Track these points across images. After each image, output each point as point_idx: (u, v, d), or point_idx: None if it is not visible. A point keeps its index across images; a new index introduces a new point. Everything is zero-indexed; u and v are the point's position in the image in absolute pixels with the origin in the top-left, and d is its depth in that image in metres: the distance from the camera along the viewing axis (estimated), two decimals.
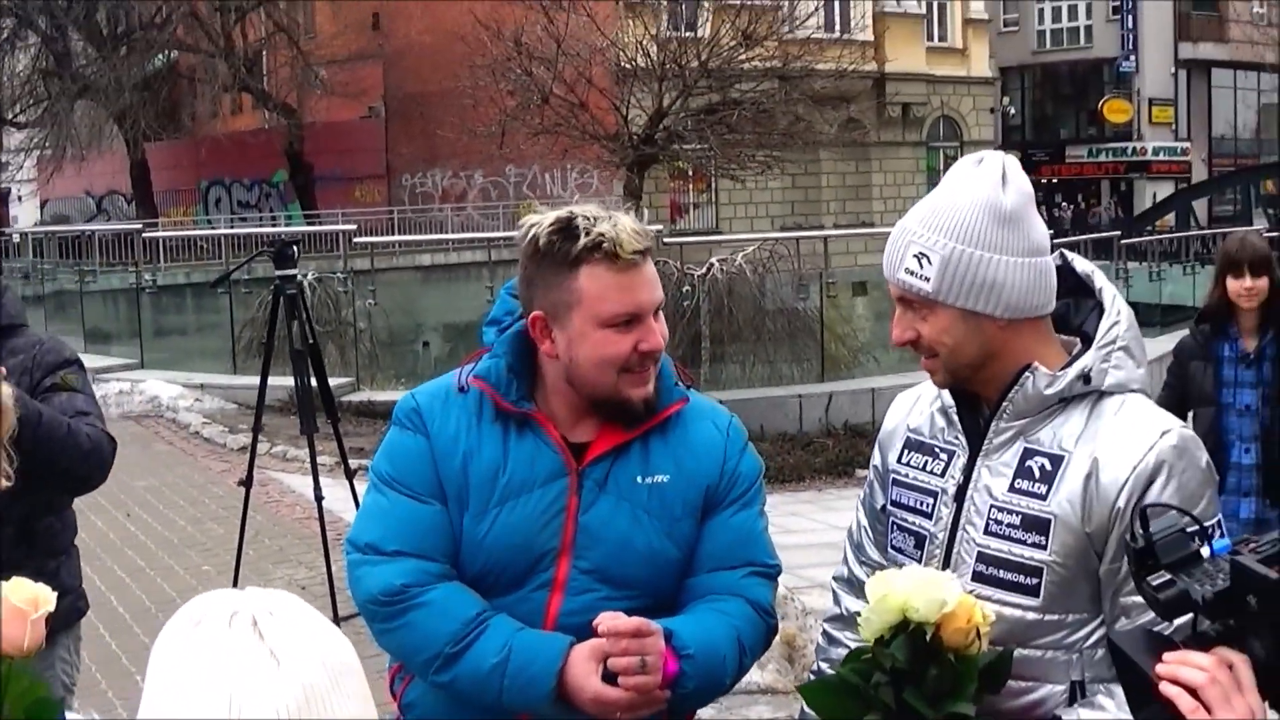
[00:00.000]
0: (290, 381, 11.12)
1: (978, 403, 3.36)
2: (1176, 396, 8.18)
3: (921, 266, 3.17)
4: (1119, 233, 35.01)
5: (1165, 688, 2.26)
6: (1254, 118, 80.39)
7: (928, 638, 2.94)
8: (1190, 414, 8.07)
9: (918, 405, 3.56)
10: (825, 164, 53.04)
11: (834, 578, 3.84)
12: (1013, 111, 76.16)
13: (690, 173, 24.43)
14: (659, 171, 20.47)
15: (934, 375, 3.33)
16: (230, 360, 22.17)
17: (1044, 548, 3.14)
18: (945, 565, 3.27)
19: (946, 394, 3.41)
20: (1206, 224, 61.22)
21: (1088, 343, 3.29)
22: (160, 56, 59.20)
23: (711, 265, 21.47)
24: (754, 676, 8.62)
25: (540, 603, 3.38)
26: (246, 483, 10.58)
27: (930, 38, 60.15)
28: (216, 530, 12.74)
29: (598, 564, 3.38)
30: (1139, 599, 3.01)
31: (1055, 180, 76.42)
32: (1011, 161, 3.33)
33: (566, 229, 3.34)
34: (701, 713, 3.67)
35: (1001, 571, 3.19)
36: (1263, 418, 7.93)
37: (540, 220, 3.42)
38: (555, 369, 3.49)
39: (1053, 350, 3.30)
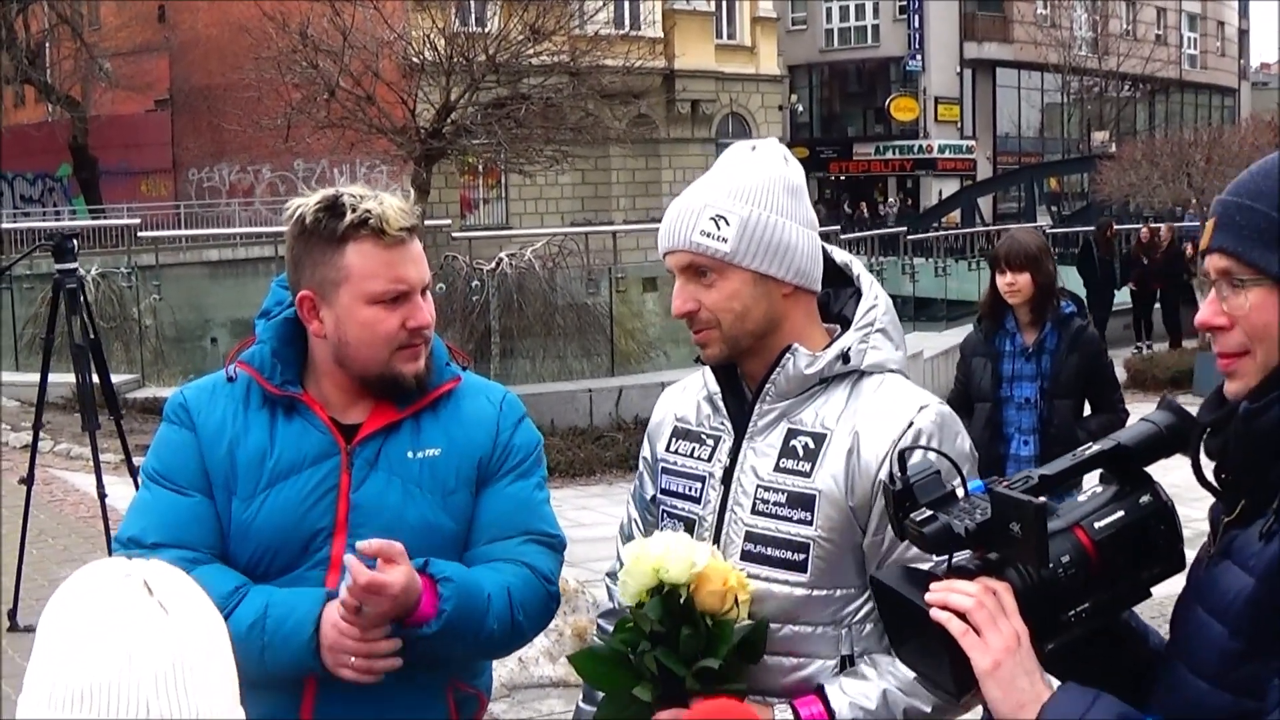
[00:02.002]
0: (73, 378, 10.95)
1: (741, 389, 3.42)
2: (962, 392, 8.38)
3: (719, 228, 3.22)
4: (905, 229, 35.53)
5: (935, 613, 2.37)
6: (1038, 116, 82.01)
7: (681, 600, 3.02)
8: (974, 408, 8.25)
9: (685, 395, 3.62)
10: (615, 160, 53.15)
11: (607, 574, 3.86)
12: (801, 109, 76.94)
13: (481, 168, 24.34)
14: (448, 166, 20.40)
15: (709, 348, 3.34)
16: (12, 357, 21.73)
17: (809, 523, 3.21)
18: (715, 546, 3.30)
19: (712, 381, 3.47)
20: (991, 220, 62.27)
21: (846, 327, 3.37)
22: None
23: (501, 260, 21.49)
24: (545, 670, 8.66)
25: (317, 582, 3.36)
26: (28, 481, 10.40)
27: (719, 35, 60.49)
28: None
29: None
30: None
31: (843, 177, 77.35)
32: (784, 148, 3.44)
33: (332, 207, 3.36)
34: (493, 707, 3.68)
35: (769, 549, 3.25)
36: (1041, 410, 8.10)
37: (306, 200, 3.43)
38: (324, 350, 3.50)
39: (818, 332, 3.39)
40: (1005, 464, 8.01)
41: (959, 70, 75.30)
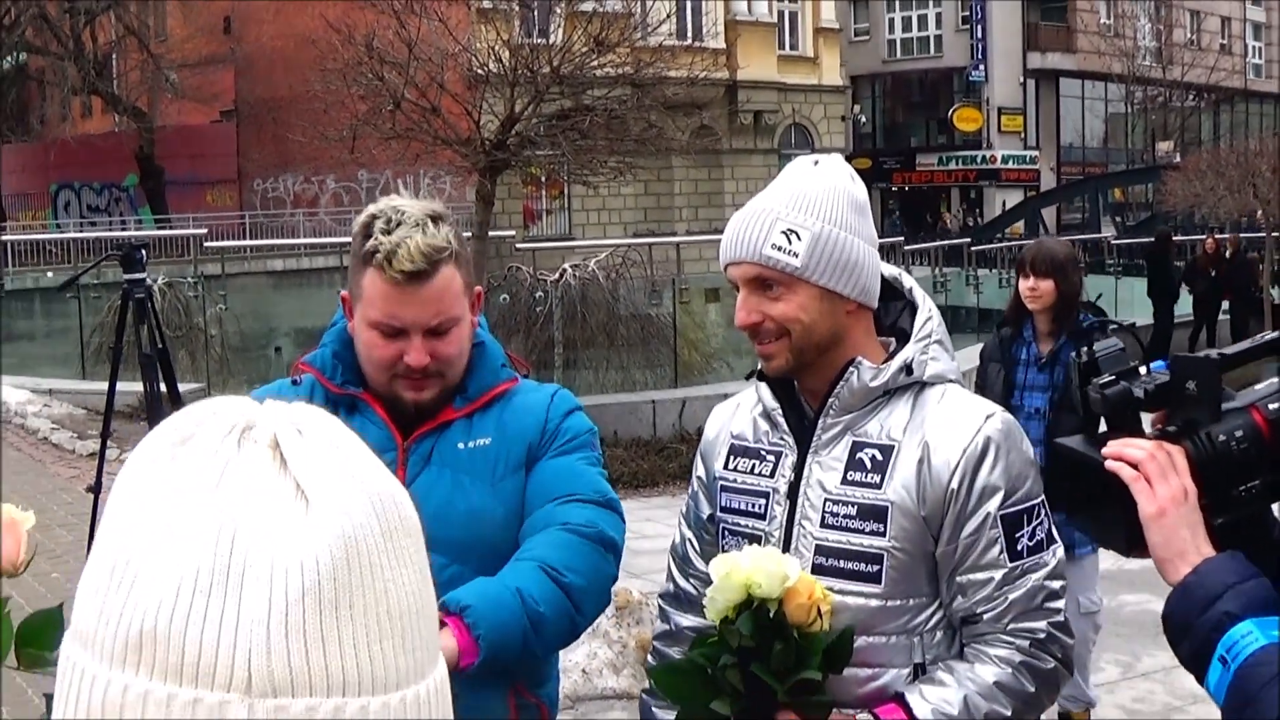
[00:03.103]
0: (140, 387, 11.04)
1: (798, 404, 3.46)
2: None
3: (790, 242, 3.25)
4: (969, 240, 35.48)
5: (1110, 463, 2.55)
6: (1101, 126, 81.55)
7: (771, 614, 3.03)
8: None
9: (738, 413, 3.65)
10: (678, 171, 53.20)
11: (660, 595, 3.90)
12: (864, 119, 76.74)
13: (544, 179, 24.47)
14: (512, 177, 20.44)
15: (774, 360, 3.37)
16: (80, 365, 21.93)
17: (882, 534, 3.26)
18: None
19: (769, 397, 3.51)
20: (1055, 231, 62.02)
21: (901, 340, 3.43)
22: (9, 58, 58.48)
23: (564, 271, 21.53)
24: (610, 681, 8.68)
25: None
26: (95, 488, 10.51)
27: (782, 46, 60.49)
28: (65, 537, 12.57)
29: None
30: (976, 576, 3.23)
31: (907, 188, 77.14)
32: (848, 165, 3.50)
33: (368, 226, 3.43)
34: (560, 718, 3.68)
35: (841, 561, 3.29)
36: (1049, 422, 7.98)
37: (369, 209, 3.50)
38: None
39: (876, 346, 3.44)
40: None
41: (1022, 80, 74.97)
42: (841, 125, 64.70)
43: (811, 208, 3.29)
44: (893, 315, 3.53)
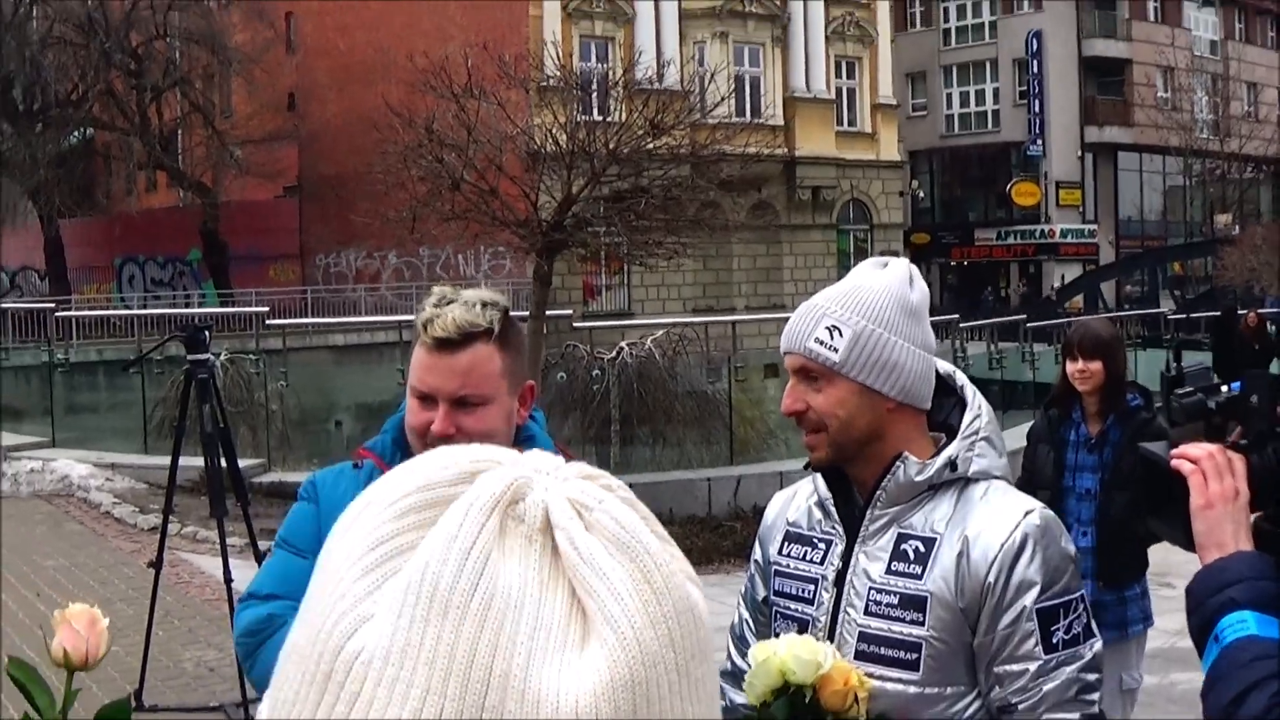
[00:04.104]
0: (200, 461, 11.22)
1: (851, 495, 3.55)
2: (1027, 480, 8.26)
3: (832, 338, 3.36)
4: (1024, 316, 35.42)
5: (1175, 462, 2.84)
6: (1160, 200, 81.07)
7: (807, 699, 3.12)
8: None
9: (795, 500, 3.76)
10: (737, 247, 53.23)
11: (722, 673, 3.90)
12: (922, 195, 76.50)
13: (604, 256, 24.60)
14: (580, 251, 20.60)
15: (816, 451, 3.47)
16: (142, 440, 22.14)
17: (921, 624, 3.34)
18: None
19: (823, 487, 3.60)
20: (1115, 305, 61.81)
21: (951, 435, 3.51)
22: (76, 133, 59.07)
23: (621, 349, 21.67)
24: None
25: None
26: (156, 564, 10.64)
27: (840, 122, 60.53)
28: (126, 611, 12.58)
29: None
30: (1012, 667, 3.32)
31: (966, 263, 76.90)
32: (914, 267, 3.60)
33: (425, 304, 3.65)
34: None
35: (882, 649, 3.38)
36: (1100, 502, 8.01)
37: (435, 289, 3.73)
38: None
39: (924, 442, 3.52)
40: None
41: (1080, 154, 74.67)
42: (900, 201, 64.64)
43: (859, 307, 3.39)
44: (945, 410, 3.60)
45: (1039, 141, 73.03)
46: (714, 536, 18.04)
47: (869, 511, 3.49)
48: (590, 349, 21.96)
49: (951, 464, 3.44)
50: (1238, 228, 71.41)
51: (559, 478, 1.11)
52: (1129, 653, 8.19)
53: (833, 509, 3.59)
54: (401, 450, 3.75)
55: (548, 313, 20.09)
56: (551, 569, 1.04)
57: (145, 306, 49.22)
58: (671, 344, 22.50)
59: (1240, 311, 34.18)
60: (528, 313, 19.27)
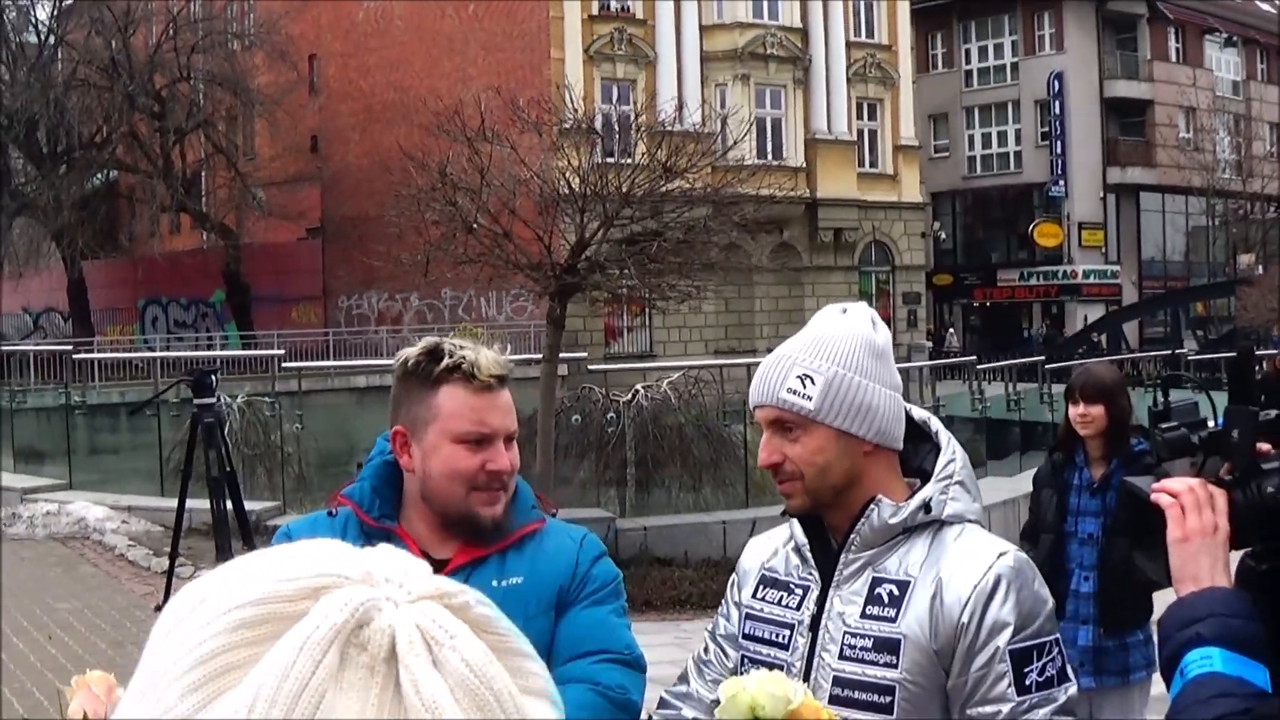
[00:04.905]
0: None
1: (827, 541, 3.55)
2: (1033, 524, 8.38)
3: (805, 386, 3.37)
4: (1042, 358, 35.33)
5: (1155, 496, 2.85)
6: (1183, 240, 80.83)
7: None
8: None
9: (770, 544, 3.76)
10: (759, 288, 53.31)
11: (665, 690, 3.91)
12: (944, 236, 76.49)
13: (624, 298, 24.57)
14: (594, 294, 20.59)
15: (792, 499, 3.47)
16: (159, 482, 22.17)
17: (895, 666, 3.33)
18: None
19: (800, 533, 3.60)
20: (1138, 346, 61.63)
21: (926, 480, 3.52)
22: (99, 176, 59.32)
23: (636, 391, 21.67)
24: None
25: None
26: (162, 608, 10.70)
27: (861, 164, 60.47)
28: (137, 655, 12.37)
29: None
30: (984, 709, 3.32)
31: (988, 304, 76.80)
32: (873, 311, 3.61)
33: (433, 352, 3.62)
34: None
35: (856, 693, 3.37)
36: (1102, 547, 7.98)
37: (414, 347, 3.69)
38: (414, 485, 3.74)
39: (899, 486, 3.52)
40: (1065, 600, 7.89)
41: (1102, 195, 74.50)
42: (921, 242, 64.61)
43: (827, 353, 3.41)
44: (920, 456, 3.61)
45: (1061, 182, 72.88)
46: (728, 579, 18.00)
47: (843, 555, 3.49)
48: (605, 392, 21.97)
49: (926, 506, 3.44)
50: (1260, 268, 71.27)
51: (410, 597, 1.03)
52: (1131, 700, 8.17)
53: (809, 554, 3.59)
54: (381, 498, 3.75)
55: (562, 355, 20.09)
56: (392, 707, 0.97)
57: (168, 348, 49.34)
58: (688, 386, 22.49)
59: (1260, 353, 34.08)
60: (541, 357, 19.27)
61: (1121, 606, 7.99)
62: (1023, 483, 18.76)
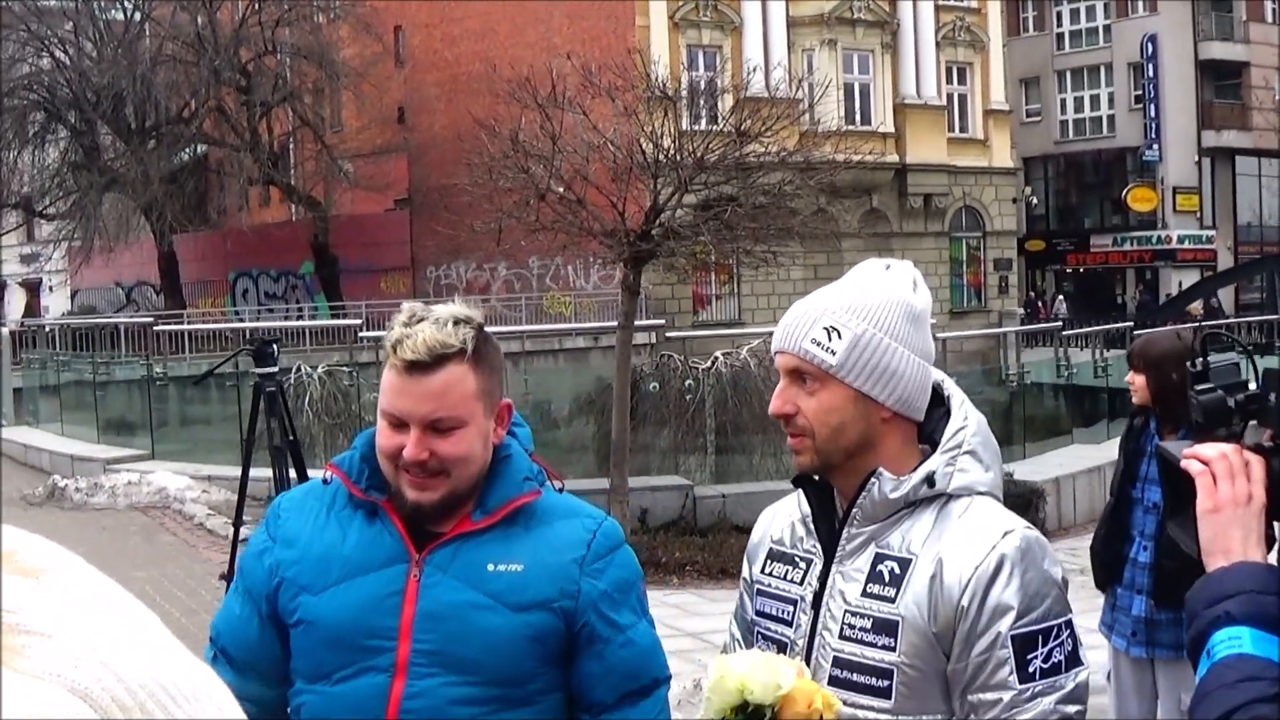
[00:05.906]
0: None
1: (834, 511, 3.40)
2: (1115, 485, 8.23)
3: (830, 339, 3.22)
4: (1132, 324, 35.00)
5: (1185, 462, 2.68)
6: (1279, 204, 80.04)
7: (767, 719, 3.00)
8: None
9: (778, 518, 3.61)
10: (848, 254, 52.68)
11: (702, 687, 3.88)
12: (1035, 201, 75.75)
13: (705, 264, 24.36)
14: (668, 261, 20.43)
15: (800, 455, 3.33)
16: (234, 451, 22.30)
17: (893, 649, 3.19)
18: None
19: (804, 502, 3.46)
20: (1233, 312, 61.04)
21: (935, 448, 3.35)
22: (188, 150, 59.78)
23: (716, 359, 21.57)
24: None
25: (382, 687, 3.39)
26: (228, 577, 10.67)
27: (951, 129, 60.10)
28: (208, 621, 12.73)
29: (438, 647, 3.37)
30: (985, 696, 3.15)
31: (1081, 269, 76.19)
32: (917, 272, 3.44)
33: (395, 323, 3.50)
34: None
35: (855, 675, 3.23)
36: (1163, 515, 7.79)
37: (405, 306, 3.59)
38: None
39: (913, 456, 3.36)
40: (1123, 567, 7.84)
41: (1197, 159, 73.64)
42: (1013, 207, 64.11)
43: (860, 309, 3.26)
44: (932, 423, 3.42)
45: (1155, 146, 72.11)
46: None
47: (845, 530, 3.35)
48: (685, 359, 21.87)
49: (929, 479, 3.27)
50: None
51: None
52: (1187, 673, 7.95)
53: (813, 526, 3.45)
54: (369, 467, 3.58)
55: (640, 323, 19.99)
56: None
57: (259, 319, 49.70)
58: (769, 353, 22.38)
59: None
60: (617, 324, 19.20)
61: (1175, 579, 7.79)
62: (1109, 450, 18.56)
